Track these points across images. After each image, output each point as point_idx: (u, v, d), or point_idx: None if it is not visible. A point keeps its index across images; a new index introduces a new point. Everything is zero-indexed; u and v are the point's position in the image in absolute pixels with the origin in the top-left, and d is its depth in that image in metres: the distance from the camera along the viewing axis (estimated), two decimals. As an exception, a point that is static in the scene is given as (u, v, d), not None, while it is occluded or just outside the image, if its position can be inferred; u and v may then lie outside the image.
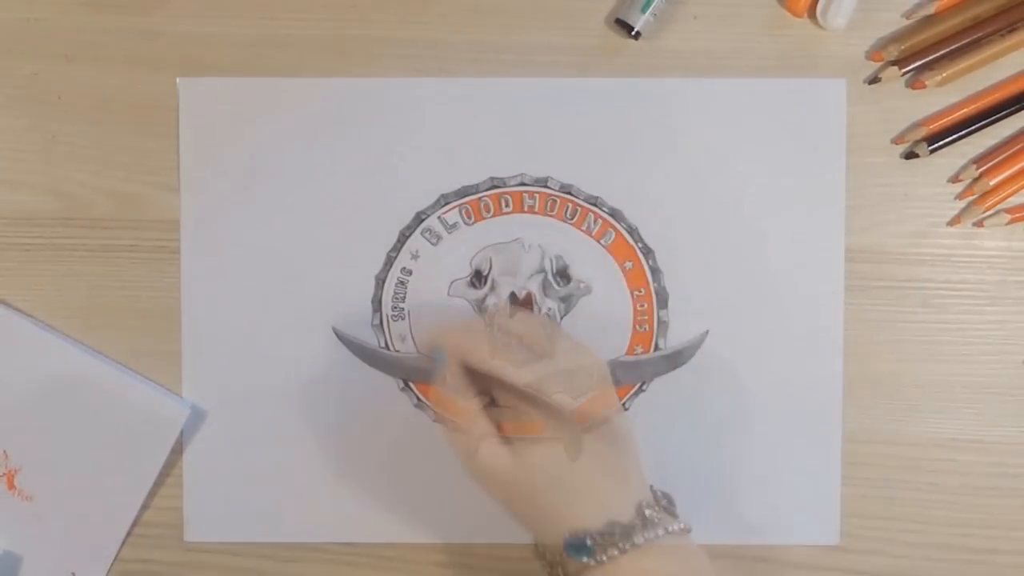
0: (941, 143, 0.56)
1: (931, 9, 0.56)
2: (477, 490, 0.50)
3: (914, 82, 0.56)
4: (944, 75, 0.55)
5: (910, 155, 0.57)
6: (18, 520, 0.57)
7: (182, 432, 0.57)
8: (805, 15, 0.57)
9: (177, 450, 0.57)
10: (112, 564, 0.57)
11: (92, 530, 0.57)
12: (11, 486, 0.57)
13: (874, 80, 0.56)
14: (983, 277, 0.57)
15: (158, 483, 0.57)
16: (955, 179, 0.57)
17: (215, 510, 0.58)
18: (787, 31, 0.57)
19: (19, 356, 0.57)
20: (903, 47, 0.56)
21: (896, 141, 0.57)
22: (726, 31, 0.57)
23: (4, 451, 0.57)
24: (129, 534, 0.57)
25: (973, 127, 0.56)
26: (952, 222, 0.57)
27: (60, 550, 0.57)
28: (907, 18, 0.56)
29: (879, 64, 0.56)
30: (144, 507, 0.57)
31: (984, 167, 0.56)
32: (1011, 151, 0.56)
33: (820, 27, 0.56)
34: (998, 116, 0.56)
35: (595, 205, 0.57)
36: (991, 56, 0.56)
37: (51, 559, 0.57)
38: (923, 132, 0.56)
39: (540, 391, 0.57)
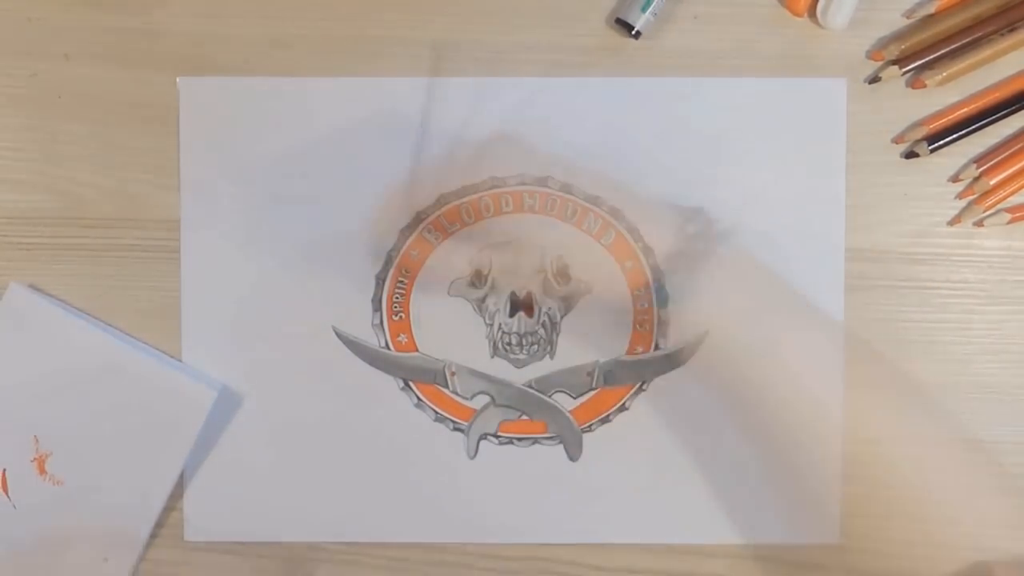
0: (941, 143, 0.56)
1: (931, 8, 0.56)
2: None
3: (914, 81, 0.56)
4: (944, 74, 0.55)
5: (910, 155, 0.57)
6: (50, 505, 0.57)
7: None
8: (805, 14, 0.57)
9: (177, 450, 0.57)
10: (145, 547, 0.57)
11: (123, 514, 0.57)
12: (42, 471, 0.57)
13: (874, 79, 0.56)
14: (983, 277, 0.57)
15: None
16: (955, 178, 0.57)
17: (215, 509, 0.58)
18: (787, 30, 0.57)
19: (48, 341, 0.56)
20: (903, 46, 0.56)
21: (896, 140, 0.57)
22: (726, 30, 0.57)
23: (35, 436, 0.57)
24: (160, 517, 0.57)
25: (973, 127, 0.56)
26: (952, 222, 0.57)
27: (92, 534, 0.57)
28: (907, 17, 0.56)
29: (880, 63, 0.56)
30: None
31: (984, 166, 0.56)
32: (1011, 151, 0.56)
33: (820, 26, 0.56)
34: (998, 116, 0.56)
35: (595, 204, 0.57)
36: (991, 55, 0.56)
37: (83, 544, 0.57)
38: (923, 132, 0.56)
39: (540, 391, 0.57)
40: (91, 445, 0.56)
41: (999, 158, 0.56)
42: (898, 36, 0.56)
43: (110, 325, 0.57)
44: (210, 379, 0.57)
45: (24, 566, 0.57)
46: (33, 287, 0.57)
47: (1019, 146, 0.56)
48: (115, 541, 0.57)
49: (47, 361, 0.56)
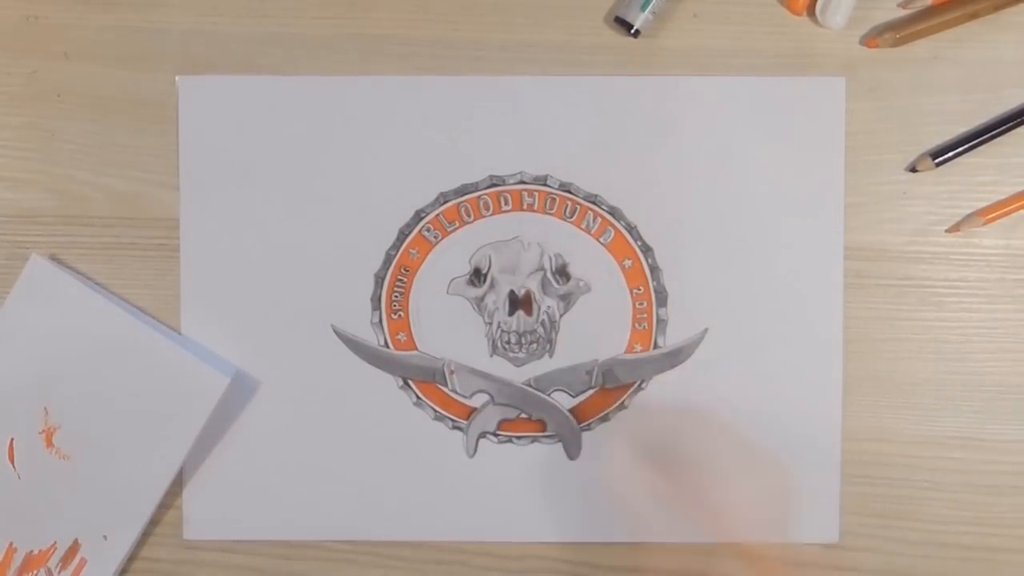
0: (946, 156, 0.56)
1: (928, 0, 0.56)
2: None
3: (868, 40, 0.56)
4: (899, 35, 0.55)
5: (914, 170, 0.57)
6: (54, 478, 0.57)
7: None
8: (804, 13, 0.57)
9: (176, 448, 0.57)
10: (144, 528, 0.57)
11: (126, 494, 0.57)
12: (49, 444, 0.57)
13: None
14: (982, 275, 0.57)
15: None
16: (954, 229, 0.57)
17: (214, 508, 0.58)
18: (786, 29, 0.57)
19: (66, 314, 0.56)
20: (898, 35, 0.56)
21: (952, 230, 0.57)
22: (725, 29, 0.57)
23: (45, 408, 0.57)
24: (162, 503, 0.57)
25: (976, 140, 0.56)
26: (951, 229, 0.57)
27: (93, 511, 0.57)
28: (904, 8, 0.56)
29: (875, 52, 0.56)
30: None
31: (988, 216, 0.57)
32: (1015, 204, 0.57)
33: (819, 25, 0.56)
34: (1002, 130, 0.56)
35: (594, 203, 0.57)
36: (950, 22, 0.56)
37: (84, 519, 0.57)
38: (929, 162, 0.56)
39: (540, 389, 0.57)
40: (100, 422, 0.56)
41: (1003, 210, 0.56)
42: (893, 25, 0.56)
43: (129, 300, 0.57)
44: (224, 364, 0.57)
45: (25, 537, 0.57)
46: (55, 259, 0.57)
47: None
48: (116, 520, 0.57)
49: (63, 334, 0.56)
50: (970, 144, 0.56)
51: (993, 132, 0.56)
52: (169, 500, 0.57)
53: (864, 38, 0.57)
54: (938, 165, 0.56)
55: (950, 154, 0.56)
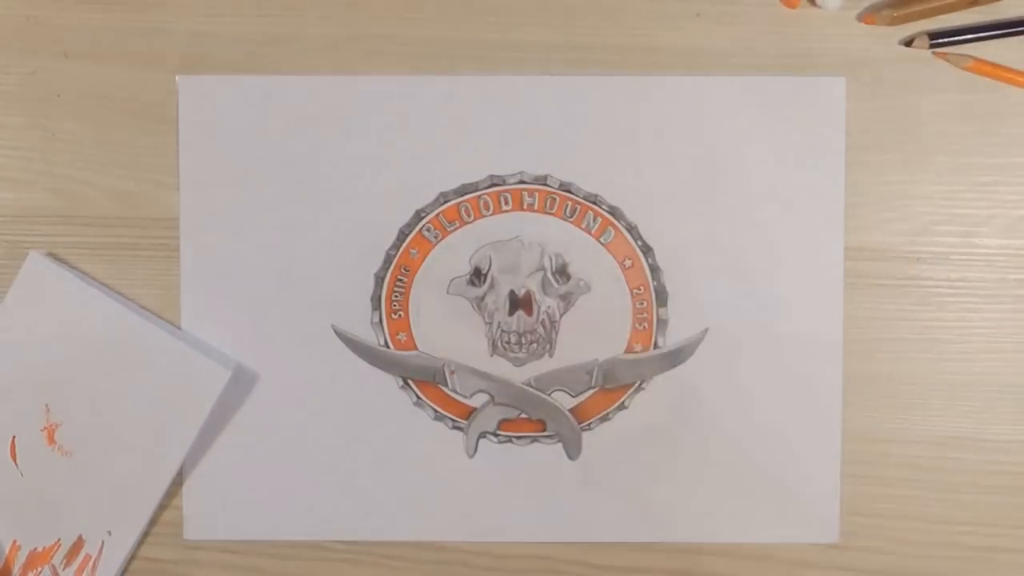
0: (943, 40, 0.56)
1: (928, -17, 0.55)
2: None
3: (865, 16, 0.56)
4: (896, 15, 0.55)
5: (910, 43, 0.56)
6: (57, 475, 0.57)
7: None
8: (799, 4, 0.56)
9: (177, 448, 0.57)
10: (148, 525, 0.57)
11: (130, 488, 0.57)
12: (51, 440, 0.57)
13: (908, 42, 0.56)
14: (982, 275, 0.57)
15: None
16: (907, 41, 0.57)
17: (215, 508, 0.58)
18: (787, 29, 0.57)
19: (65, 311, 0.57)
20: (896, 14, 0.55)
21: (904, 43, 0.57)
22: (726, 29, 0.57)
23: (46, 405, 0.57)
24: (165, 497, 0.57)
25: (976, 34, 0.56)
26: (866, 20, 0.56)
27: (97, 507, 0.57)
28: None
29: (873, 29, 0.56)
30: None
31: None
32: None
33: (817, 6, 0.56)
34: (1006, 32, 0.56)
35: (594, 203, 0.57)
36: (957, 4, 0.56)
37: (87, 516, 0.57)
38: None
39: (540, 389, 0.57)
40: (101, 418, 0.56)
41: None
42: (892, 3, 0.56)
43: (128, 299, 0.58)
44: (225, 358, 0.57)
45: (28, 535, 0.57)
46: (52, 256, 0.57)
47: None
48: (120, 516, 0.57)
49: (63, 331, 0.56)
50: (973, 35, 0.56)
51: (996, 32, 0.56)
52: (169, 500, 0.57)
53: (861, 14, 0.56)
54: (933, 47, 0.55)
55: (947, 39, 0.56)
